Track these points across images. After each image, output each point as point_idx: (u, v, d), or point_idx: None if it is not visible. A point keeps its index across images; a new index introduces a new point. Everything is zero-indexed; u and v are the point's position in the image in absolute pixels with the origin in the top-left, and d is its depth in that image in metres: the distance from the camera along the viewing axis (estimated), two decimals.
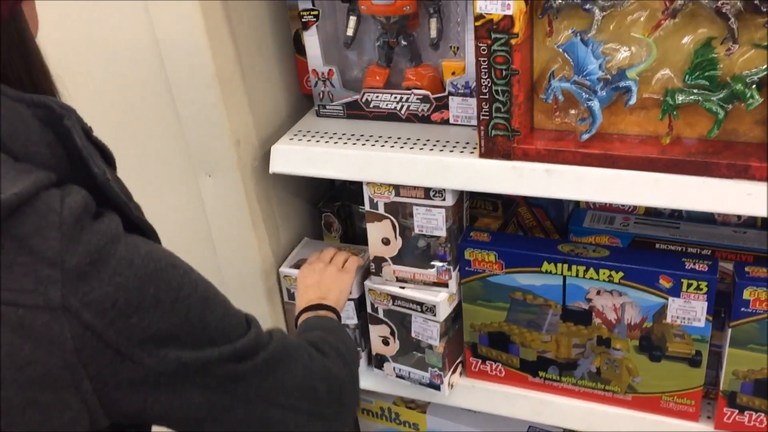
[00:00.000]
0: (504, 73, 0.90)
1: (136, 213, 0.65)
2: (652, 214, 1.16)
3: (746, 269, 0.94)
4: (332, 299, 1.03)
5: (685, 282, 0.96)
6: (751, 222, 1.11)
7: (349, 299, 1.17)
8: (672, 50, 0.87)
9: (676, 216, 1.15)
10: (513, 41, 0.88)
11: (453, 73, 1.05)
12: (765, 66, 0.82)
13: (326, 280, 1.07)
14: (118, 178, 0.66)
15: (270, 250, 1.18)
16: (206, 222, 1.14)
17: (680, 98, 0.86)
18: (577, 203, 1.20)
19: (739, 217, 1.12)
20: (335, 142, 1.07)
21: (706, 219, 1.13)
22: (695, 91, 0.86)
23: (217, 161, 1.08)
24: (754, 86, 0.83)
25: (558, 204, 1.17)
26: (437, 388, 1.16)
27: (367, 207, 1.08)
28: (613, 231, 1.13)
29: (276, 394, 0.70)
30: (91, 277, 0.57)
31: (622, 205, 1.17)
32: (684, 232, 1.11)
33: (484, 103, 0.93)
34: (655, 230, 1.13)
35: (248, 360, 0.68)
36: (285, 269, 1.20)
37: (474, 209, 1.20)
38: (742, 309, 0.94)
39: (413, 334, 1.14)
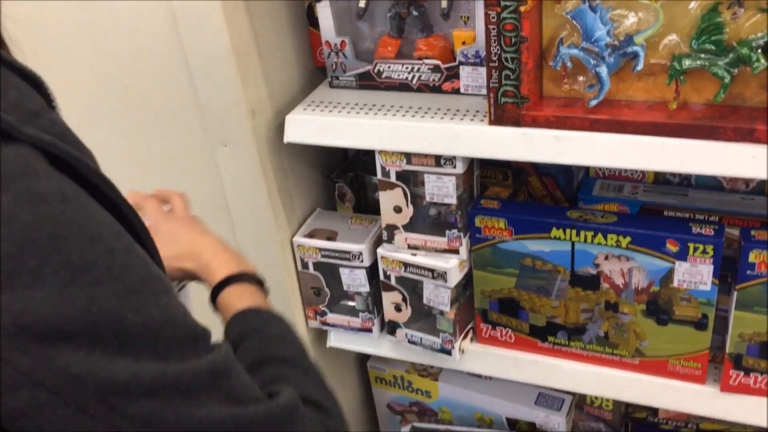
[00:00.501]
0: (513, 40, 0.92)
1: (47, 137, 0.47)
2: (661, 182, 1.17)
3: (752, 233, 0.96)
4: (244, 262, 0.83)
5: (691, 246, 0.98)
6: (759, 189, 1.12)
7: (361, 267, 1.19)
8: (679, 15, 0.88)
9: (684, 184, 1.16)
10: (522, 8, 0.89)
11: (463, 43, 1.06)
12: None
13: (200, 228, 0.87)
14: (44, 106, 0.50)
15: (285, 220, 1.21)
16: (222, 192, 1.17)
17: (687, 63, 0.88)
18: (586, 172, 1.22)
19: (747, 184, 1.13)
20: (348, 112, 1.09)
21: (715, 186, 1.15)
22: (702, 56, 0.87)
23: (233, 132, 1.10)
24: (759, 50, 0.84)
25: (567, 172, 1.19)
26: (448, 353, 1.19)
27: (379, 175, 1.11)
28: (622, 199, 1.15)
29: None
30: None
31: (632, 174, 1.18)
32: (692, 199, 1.13)
33: (493, 70, 0.95)
34: (664, 198, 1.14)
35: (200, 404, 0.49)
36: (299, 239, 1.23)
37: (484, 178, 1.22)
38: (748, 272, 0.96)
39: (425, 301, 1.17)
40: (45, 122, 0.48)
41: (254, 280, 0.81)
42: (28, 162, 0.45)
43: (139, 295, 0.48)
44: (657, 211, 1.12)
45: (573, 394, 1.34)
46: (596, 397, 1.32)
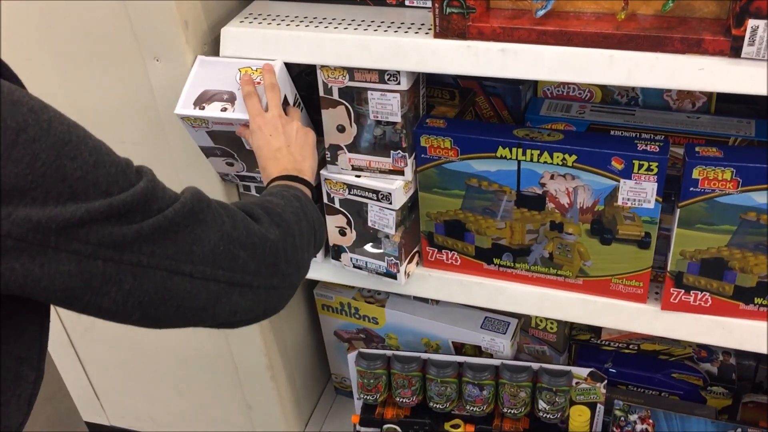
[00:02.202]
0: None
1: None
2: (609, 102, 1.15)
3: (697, 149, 0.95)
4: (308, 170, 0.95)
5: (636, 163, 0.97)
6: (705, 108, 1.12)
7: None
8: None
9: (632, 104, 1.15)
10: None
11: None
12: None
13: (296, 142, 0.96)
14: None
15: None
16: (156, 108, 1.11)
17: None
18: (534, 92, 1.19)
19: (693, 103, 1.12)
20: (287, 25, 1.04)
21: (662, 106, 1.13)
22: None
23: (165, 44, 1.04)
24: None
25: (515, 92, 1.16)
26: (394, 276, 1.17)
27: (321, 93, 1.06)
28: (569, 118, 1.13)
29: (179, 262, 0.63)
30: None
31: (579, 93, 1.16)
32: (639, 118, 1.12)
33: None
34: (611, 117, 1.13)
35: (135, 221, 0.60)
36: None
37: (431, 98, 1.19)
38: (691, 189, 0.95)
39: (370, 224, 1.14)
40: None
41: (310, 186, 0.93)
42: None
43: (70, 143, 0.56)
44: (604, 130, 1.11)
45: (518, 317, 1.34)
46: (541, 320, 1.33)
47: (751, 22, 0.80)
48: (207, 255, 0.65)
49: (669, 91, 1.13)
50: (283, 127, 0.97)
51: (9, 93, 0.54)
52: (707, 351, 1.34)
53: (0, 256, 0.54)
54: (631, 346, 1.37)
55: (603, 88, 1.15)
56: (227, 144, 1.07)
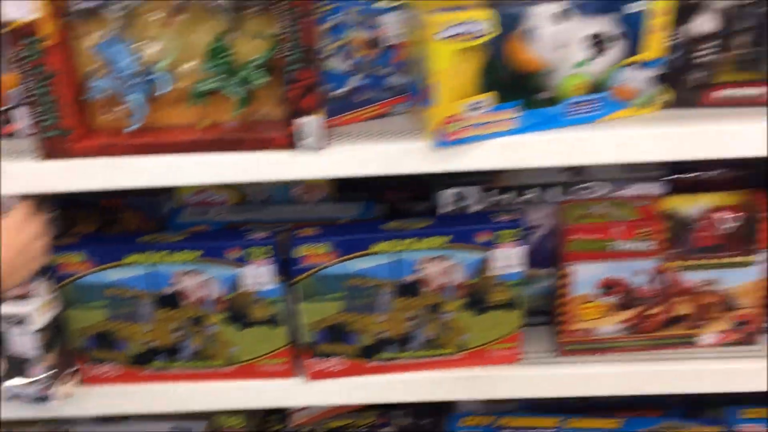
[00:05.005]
0: (41, 76, 0.95)
1: None
2: (243, 202, 1.27)
3: (296, 232, 1.08)
4: None
5: (253, 251, 1.08)
6: (331, 197, 1.27)
7: None
8: (195, 43, 0.98)
9: (264, 201, 1.28)
10: (43, 45, 0.93)
11: (12, 86, 1.07)
12: (265, 51, 0.97)
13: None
14: None
15: None
16: None
17: (204, 86, 0.98)
18: (174, 202, 1.28)
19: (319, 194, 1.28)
20: None
21: (290, 200, 1.28)
22: (215, 78, 0.98)
23: None
24: (259, 69, 0.97)
25: (154, 205, 1.25)
26: (46, 400, 1.16)
27: None
28: (209, 221, 1.23)
29: None
30: None
31: (216, 198, 1.27)
32: (272, 213, 1.24)
33: (32, 107, 0.98)
34: (248, 215, 1.24)
35: None
36: None
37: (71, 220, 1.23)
38: (299, 266, 1.08)
39: (15, 352, 1.13)
40: None
41: None
42: None
43: None
44: (239, 227, 1.21)
45: (206, 420, 1.37)
46: (226, 419, 1.37)
47: (296, 121, 0.96)
48: None
49: (297, 185, 1.27)
50: None
51: None
52: (387, 417, 1.45)
53: None
54: (320, 428, 1.44)
55: (237, 190, 1.27)
56: None
